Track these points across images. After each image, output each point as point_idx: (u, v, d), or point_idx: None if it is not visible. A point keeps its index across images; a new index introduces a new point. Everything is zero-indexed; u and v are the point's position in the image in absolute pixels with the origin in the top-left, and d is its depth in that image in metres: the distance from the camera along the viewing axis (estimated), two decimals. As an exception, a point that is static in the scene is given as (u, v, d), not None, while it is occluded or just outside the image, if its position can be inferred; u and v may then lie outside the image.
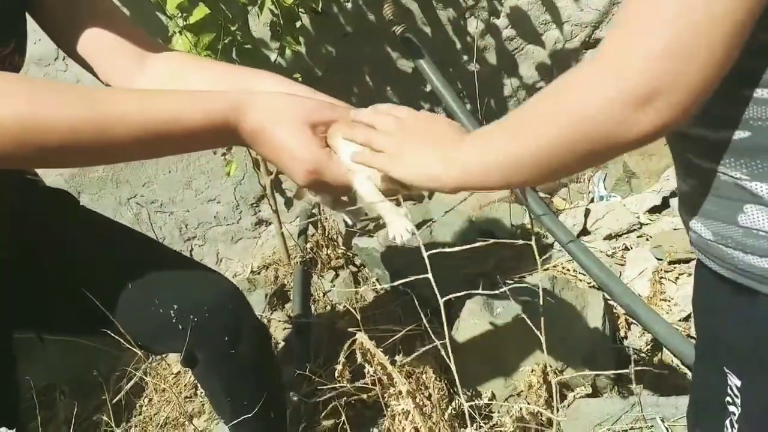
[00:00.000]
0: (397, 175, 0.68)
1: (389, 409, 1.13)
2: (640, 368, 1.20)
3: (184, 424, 1.68)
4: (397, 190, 0.73)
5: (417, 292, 1.77)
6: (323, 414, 1.25)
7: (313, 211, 2.16)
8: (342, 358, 0.88)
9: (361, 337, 0.87)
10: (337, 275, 1.97)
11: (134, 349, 1.05)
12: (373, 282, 1.93)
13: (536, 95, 0.58)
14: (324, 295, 1.91)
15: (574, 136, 0.53)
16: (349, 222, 0.90)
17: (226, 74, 0.90)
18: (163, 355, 1.84)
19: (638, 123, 0.49)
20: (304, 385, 1.51)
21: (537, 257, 0.76)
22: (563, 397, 1.38)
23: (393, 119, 0.73)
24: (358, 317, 0.91)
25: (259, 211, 2.24)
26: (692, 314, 0.75)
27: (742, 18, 0.46)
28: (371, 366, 0.89)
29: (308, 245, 2.02)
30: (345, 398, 1.25)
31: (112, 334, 1.02)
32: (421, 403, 1.00)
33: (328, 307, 1.89)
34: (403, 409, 0.90)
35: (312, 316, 1.82)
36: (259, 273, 2.11)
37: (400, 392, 0.92)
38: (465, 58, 2.21)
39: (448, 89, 1.81)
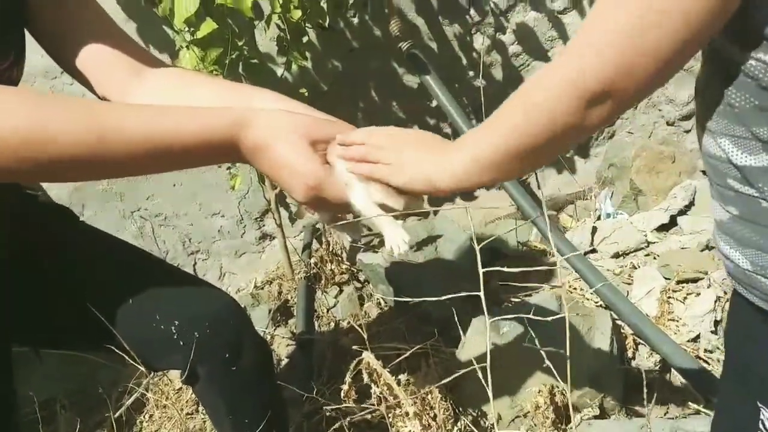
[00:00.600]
0: (397, 182, 0.71)
1: (394, 429, 1.11)
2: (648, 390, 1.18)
3: (185, 441, 1.66)
4: (393, 206, 0.73)
5: (422, 309, 1.76)
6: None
7: (318, 225, 2.15)
8: (348, 378, 0.87)
9: (368, 357, 0.86)
10: (341, 291, 1.95)
11: (136, 365, 1.04)
12: (377, 298, 1.92)
13: (515, 91, 0.63)
14: (328, 311, 1.90)
15: (537, 124, 0.59)
16: (349, 238, 0.90)
17: (224, 90, 0.90)
18: (165, 371, 1.83)
19: (588, 114, 0.56)
20: (307, 404, 1.49)
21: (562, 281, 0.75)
22: (570, 419, 1.36)
23: (384, 135, 0.75)
24: (365, 336, 0.89)
25: (264, 225, 2.23)
26: (724, 341, 0.74)
27: (685, 37, 0.51)
28: (377, 386, 0.87)
29: (312, 260, 2.01)
30: (349, 418, 1.23)
31: (116, 350, 1.01)
32: (426, 424, 0.98)
33: (332, 324, 1.87)
34: (410, 430, 0.88)
35: (315, 332, 1.80)
36: (262, 288, 2.10)
37: (407, 413, 0.90)
38: (471, 73, 2.21)
39: (453, 105, 1.81)
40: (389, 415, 1.11)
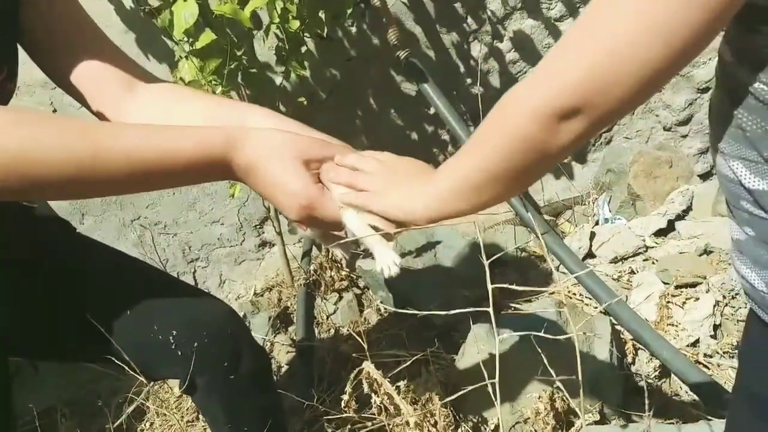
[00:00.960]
0: (375, 209, 0.71)
1: None
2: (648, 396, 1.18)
3: (186, 450, 1.66)
4: (385, 229, 0.74)
5: (422, 316, 1.76)
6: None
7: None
8: (349, 388, 0.87)
9: (368, 366, 0.86)
10: (340, 298, 1.96)
11: (136, 375, 1.04)
12: (377, 305, 1.92)
13: (485, 118, 0.62)
14: (327, 318, 1.90)
15: (512, 144, 0.58)
16: (339, 256, 0.91)
17: (217, 107, 0.90)
18: (165, 380, 1.83)
19: (561, 132, 0.55)
20: (307, 411, 1.49)
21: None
22: (570, 425, 1.36)
23: (375, 161, 0.76)
24: (365, 344, 0.90)
25: (263, 232, 2.23)
26: (738, 360, 0.74)
27: (665, 53, 0.49)
28: (377, 395, 0.87)
29: (312, 267, 2.01)
30: (349, 426, 1.23)
31: (115, 360, 1.02)
32: (427, 431, 0.99)
33: (332, 330, 1.87)
34: (409, 439, 0.89)
35: (315, 339, 1.80)
36: (262, 295, 2.10)
37: (407, 423, 0.90)
38: (469, 81, 2.22)
39: (451, 112, 1.82)
40: (390, 424, 1.12)
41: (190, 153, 0.70)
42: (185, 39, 1.62)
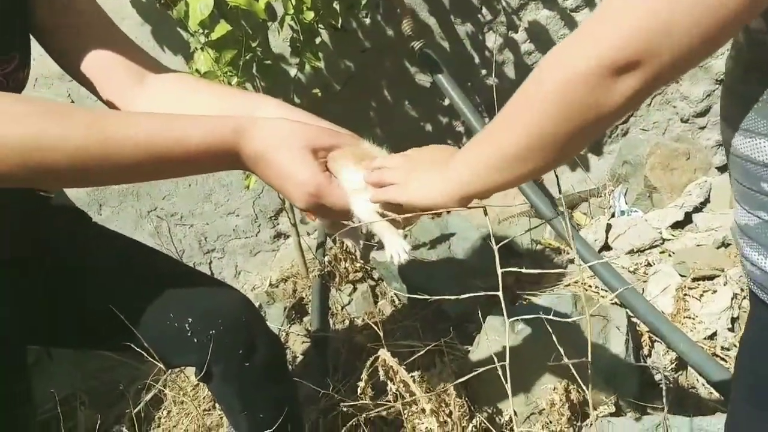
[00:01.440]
0: (400, 201, 0.71)
1: (409, 424, 1.12)
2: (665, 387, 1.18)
3: (203, 438, 1.68)
4: (395, 216, 0.74)
5: (436, 306, 1.77)
6: (344, 430, 1.25)
7: (331, 224, 2.16)
8: (364, 375, 0.88)
9: (384, 354, 0.87)
10: (355, 289, 1.96)
11: (155, 362, 1.06)
12: (392, 296, 1.93)
13: (516, 92, 0.59)
14: (342, 309, 1.91)
15: (561, 109, 0.54)
16: (350, 245, 0.91)
17: (227, 97, 0.91)
18: (182, 368, 1.85)
19: (616, 90, 0.50)
20: (323, 400, 1.50)
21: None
22: (585, 416, 1.36)
23: (399, 156, 0.77)
24: (380, 332, 0.90)
25: (278, 224, 2.25)
26: (739, 348, 0.72)
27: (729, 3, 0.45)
28: (393, 383, 0.88)
29: (326, 258, 2.02)
30: (365, 414, 1.24)
31: (135, 347, 1.03)
32: (442, 420, 0.99)
33: (347, 321, 1.88)
34: (427, 427, 0.89)
35: (330, 330, 1.81)
36: (277, 286, 2.11)
37: (423, 410, 0.91)
38: (483, 72, 2.21)
39: (466, 103, 1.81)
40: (405, 411, 1.12)
41: (199, 142, 0.71)
42: (200, 30, 1.63)
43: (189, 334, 1.03)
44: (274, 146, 0.73)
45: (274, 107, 0.87)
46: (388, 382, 0.88)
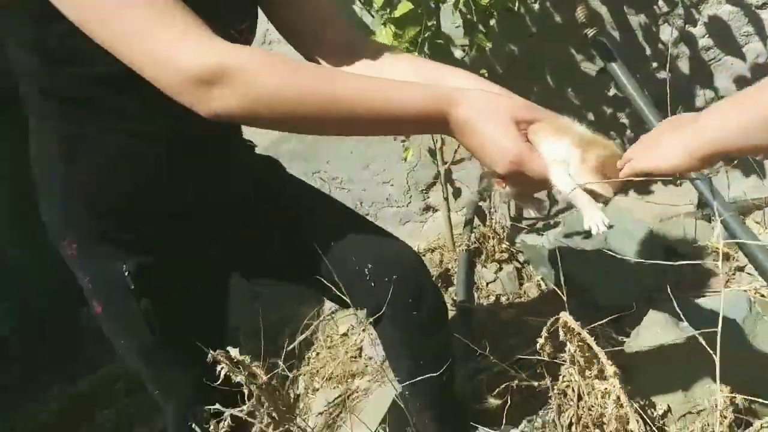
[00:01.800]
0: (651, 167, 0.75)
1: (556, 402, 1.14)
2: None
3: (347, 381, 1.82)
4: (602, 193, 0.77)
5: (588, 297, 1.76)
6: (494, 392, 1.31)
7: (480, 204, 2.22)
8: (545, 333, 0.93)
9: (565, 316, 0.92)
10: (500, 268, 2.01)
11: (341, 295, 1.17)
12: (538, 280, 1.95)
13: None
14: (487, 285, 1.97)
15: None
16: (533, 213, 0.95)
17: (423, 67, 0.99)
18: (332, 316, 2.01)
19: None
20: (469, 364, 1.57)
21: None
22: (748, 424, 1.31)
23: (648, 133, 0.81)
24: (564, 296, 0.95)
25: (428, 197, 2.34)
26: None
27: None
28: (572, 344, 0.92)
29: (473, 235, 2.09)
30: (516, 382, 1.29)
31: (323, 280, 1.14)
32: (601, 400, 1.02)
33: (491, 297, 1.94)
34: (606, 389, 0.93)
35: (475, 303, 1.88)
36: (424, 255, 2.22)
37: (601, 371, 0.95)
38: (655, 65, 2.15)
39: (640, 94, 1.78)
40: (554, 388, 1.15)
41: (420, 106, 0.80)
42: (383, 8, 1.75)
43: (368, 278, 1.14)
44: (481, 116, 0.80)
45: (466, 78, 0.96)
46: (568, 343, 0.93)
